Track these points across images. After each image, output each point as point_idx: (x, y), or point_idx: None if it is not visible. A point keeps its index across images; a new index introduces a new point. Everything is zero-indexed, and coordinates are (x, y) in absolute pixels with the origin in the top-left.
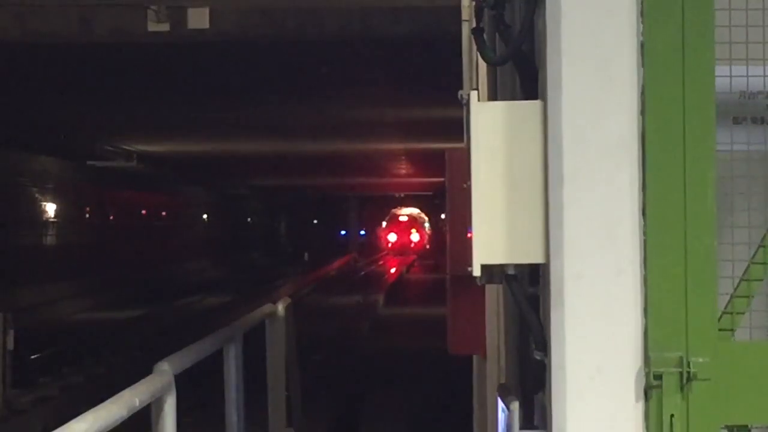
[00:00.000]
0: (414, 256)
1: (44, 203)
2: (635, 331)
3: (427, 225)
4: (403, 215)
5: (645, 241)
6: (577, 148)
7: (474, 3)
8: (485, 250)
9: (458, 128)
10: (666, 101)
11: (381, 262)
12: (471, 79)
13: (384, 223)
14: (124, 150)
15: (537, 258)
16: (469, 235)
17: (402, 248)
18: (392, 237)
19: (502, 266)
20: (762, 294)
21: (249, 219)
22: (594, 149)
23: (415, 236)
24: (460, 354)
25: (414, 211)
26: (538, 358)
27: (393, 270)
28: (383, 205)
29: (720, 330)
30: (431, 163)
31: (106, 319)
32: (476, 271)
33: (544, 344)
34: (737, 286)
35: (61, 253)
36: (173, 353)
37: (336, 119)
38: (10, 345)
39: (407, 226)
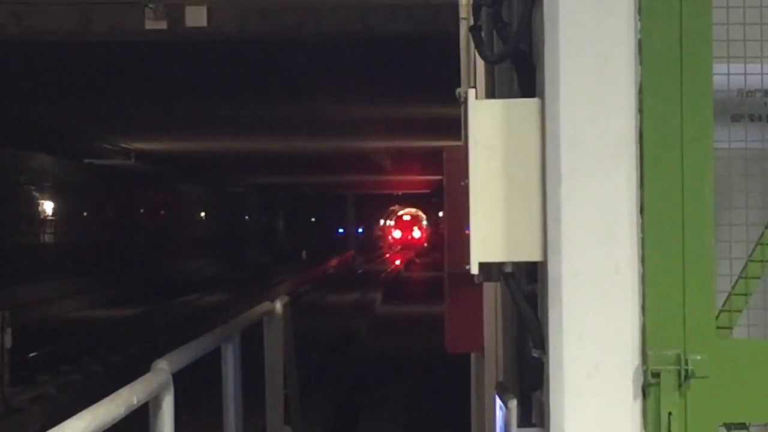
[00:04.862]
0: (413, 254)
1: (44, 201)
2: (633, 329)
3: (425, 222)
4: (406, 214)
5: (643, 239)
6: (575, 146)
7: (472, 1)
8: (483, 247)
9: (456, 126)
10: (663, 99)
11: (387, 256)
12: (469, 77)
13: (389, 222)
14: (122, 148)
15: (535, 256)
16: (467, 233)
17: (405, 243)
18: (397, 234)
19: (499, 264)
20: (760, 292)
21: (247, 217)
22: (592, 147)
23: (416, 233)
24: (458, 352)
25: (412, 210)
26: (535, 356)
27: (398, 262)
28: (381, 203)
29: (718, 328)
30: (429, 161)
31: (103, 317)
32: (474, 269)
33: (542, 342)
34: (735, 284)
35: (58, 250)
36: (171, 351)
37: (334, 117)
38: (8, 343)
39: (410, 224)
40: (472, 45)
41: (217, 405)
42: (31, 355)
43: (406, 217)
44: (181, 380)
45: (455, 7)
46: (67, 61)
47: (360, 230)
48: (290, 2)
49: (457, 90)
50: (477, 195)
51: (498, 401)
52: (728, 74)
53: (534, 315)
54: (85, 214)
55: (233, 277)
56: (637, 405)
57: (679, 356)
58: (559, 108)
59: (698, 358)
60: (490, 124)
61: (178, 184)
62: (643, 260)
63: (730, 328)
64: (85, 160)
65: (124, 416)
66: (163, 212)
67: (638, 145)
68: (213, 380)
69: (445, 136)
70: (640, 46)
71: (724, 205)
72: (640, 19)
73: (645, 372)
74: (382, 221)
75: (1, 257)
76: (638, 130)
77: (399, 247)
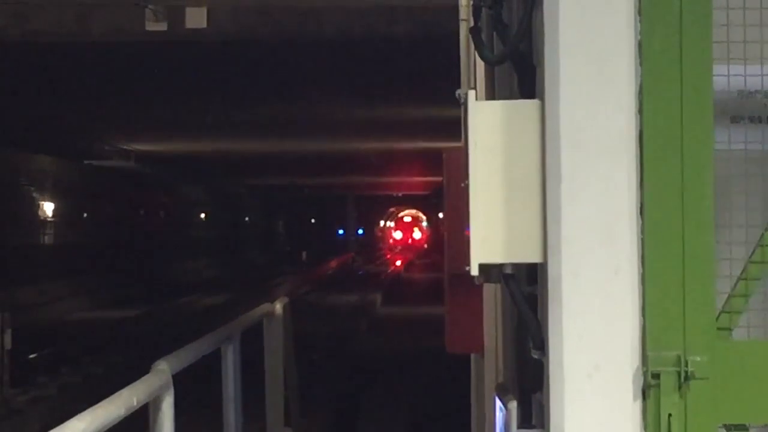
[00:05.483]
0: (412, 255)
1: (43, 202)
2: (633, 330)
3: (425, 224)
4: (407, 215)
5: (643, 240)
6: (575, 147)
7: (472, 2)
8: (483, 249)
9: (456, 127)
10: (664, 100)
11: (387, 257)
12: (469, 78)
13: (389, 223)
14: (122, 149)
15: (535, 257)
16: (467, 234)
17: (405, 245)
18: (397, 235)
19: (499, 265)
20: (760, 293)
21: (247, 218)
22: (592, 148)
23: (417, 234)
24: (458, 353)
25: (413, 211)
26: (535, 357)
27: (398, 263)
28: (381, 205)
29: (718, 329)
30: (429, 162)
31: (103, 318)
32: (474, 270)
33: (541, 343)
34: (735, 285)
35: (57, 251)
36: (171, 352)
37: (334, 118)
38: (8, 344)
39: (410, 225)
40: (472, 46)
41: (217, 406)
42: (31, 356)
43: (407, 219)
44: (181, 381)
45: (455, 9)
46: (67, 62)
47: (360, 231)
48: (290, 3)
49: (457, 91)
50: (477, 196)
51: (498, 402)
52: (728, 75)
53: (534, 316)
54: (84, 215)
55: (233, 278)
56: (637, 406)
57: (679, 357)
58: (559, 109)
59: (698, 359)
60: (490, 125)
61: (178, 185)
62: (643, 261)
63: (730, 329)
64: (85, 161)
65: (124, 417)
66: (162, 213)
67: (638, 145)
68: (213, 381)
69: (445, 138)
70: (640, 46)
71: (724, 207)
72: (640, 20)
73: (645, 373)
74: (382, 222)
75: (1, 258)
76: (638, 131)
77: (399, 248)
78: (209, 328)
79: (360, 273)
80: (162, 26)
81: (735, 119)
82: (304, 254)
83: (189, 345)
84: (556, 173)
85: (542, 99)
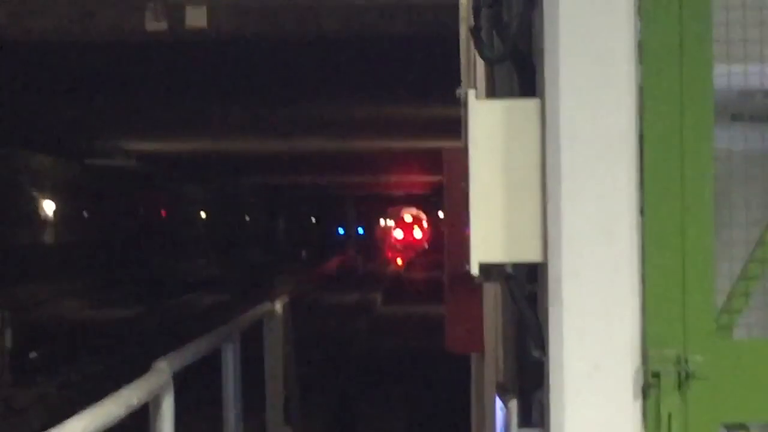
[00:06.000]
0: (412, 254)
1: (44, 201)
2: (633, 329)
3: (425, 223)
4: (407, 214)
5: (643, 239)
6: (575, 147)
7: (471, 1)
8: (483, 248)
9: (456, 127)
10: (664, 99)
11: (389, 255)
12: (469, 77)
13: (390, 222)
14: (122, 148)
15: (535, 256)
16: (467, 233)
17: (406, 244)
18: (398, 234)
19: (500, 265)
20: (760, 292)
21: (247, 218)
22: (592, 147)
23: (417, 233)
24: (458, 352)
25: (413, 210)
26: (536, 356)
27: (399, 261)
28: (381, 204)
29: (718, 328)
30: (429, 161)
31: (103, 317)
32: (474, 270)
33: (542, 343)
34: (735, 284)
35: (56, 250)
36: (171, 351)
37: (334, 117)
38: (9, 343)
39: (411, 225)
40: (472, 45)
41: (217, 405)
42: (31, 355)
43: (407, 218)
44: (181, 380)
45: (455, 8)
46: (66, 61)
47: (360, 231)
48: (290, 2)
49: (458, 90)
50: (477, 195)
51: (498, 402)
52: (729, 74)
53: (534, 315)
54: (84, 214)
55: (233, 278)
56: (637, 405)
57: (679, 356)
58: (559, 108)
59: (698, 358)
60: (490, 124)
61: (179, 185)
62: (643, 260)
63: (731, 328)
64: (86, 161)
65: (124, 416)
66: (163, 213)
67: (638, 145)
68: (213, 380)
69: (445, 137)
70: (640, 45)
71: (725, 205)
72: (640, 19)
73: (645, 372)
74: (382, 222)
75: (2, 256)
76: (638, 130)
77: (400, 247)
78: (209, 328)
79: (360, 272)
80: (162, 26)
81: (735, 118)
82: (304, 253)
83: (189, 344)
84: (556, 172)
85: (542, 98)
